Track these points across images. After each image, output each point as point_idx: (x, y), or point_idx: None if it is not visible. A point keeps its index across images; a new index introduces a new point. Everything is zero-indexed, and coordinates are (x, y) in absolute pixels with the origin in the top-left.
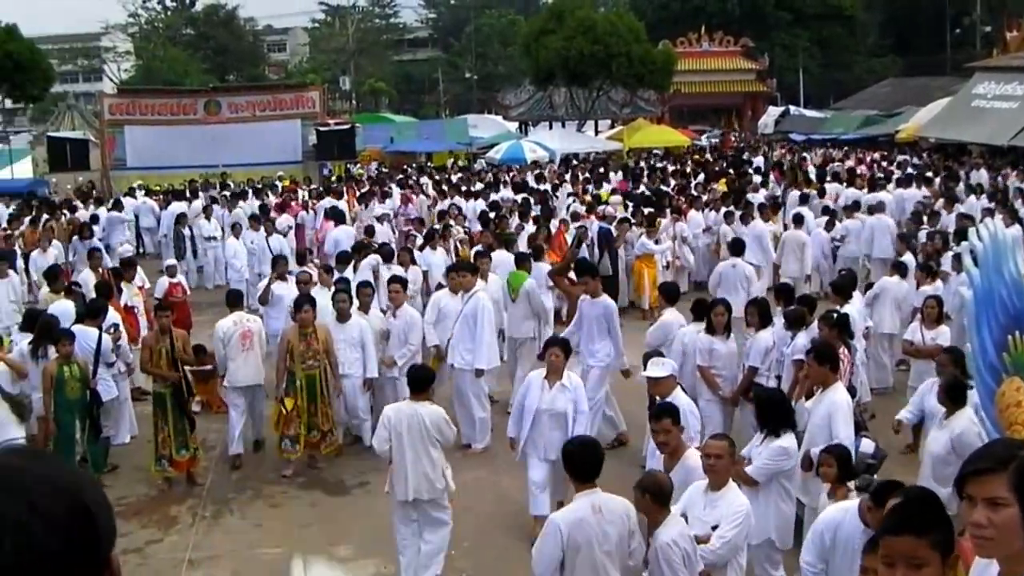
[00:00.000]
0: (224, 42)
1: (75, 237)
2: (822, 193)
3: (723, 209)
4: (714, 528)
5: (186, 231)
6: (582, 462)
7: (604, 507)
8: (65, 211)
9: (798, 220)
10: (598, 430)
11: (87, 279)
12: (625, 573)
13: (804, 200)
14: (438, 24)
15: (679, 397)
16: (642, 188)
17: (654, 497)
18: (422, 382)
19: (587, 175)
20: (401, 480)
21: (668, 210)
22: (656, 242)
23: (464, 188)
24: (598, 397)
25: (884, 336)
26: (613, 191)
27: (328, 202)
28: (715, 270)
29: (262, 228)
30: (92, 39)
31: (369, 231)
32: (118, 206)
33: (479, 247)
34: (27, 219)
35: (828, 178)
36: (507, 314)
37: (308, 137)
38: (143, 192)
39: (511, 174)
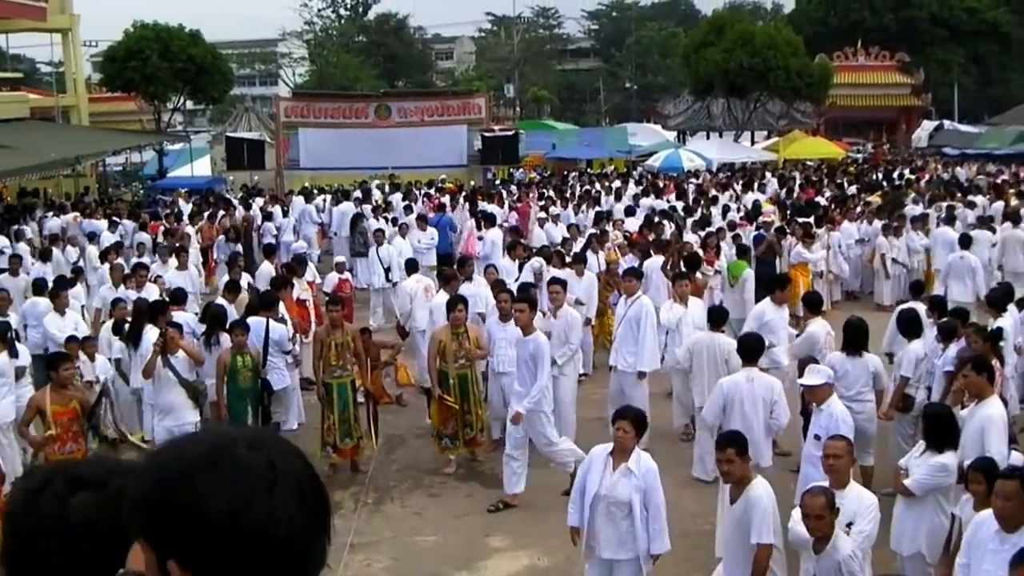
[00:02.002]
0: (394, 49)
1: (220, 237)
2: (971, 206)
3: (877, 222)
4: (849, 525)
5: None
6: (748, 348)
7: (756, 379)
8: (239, 207)
9: (965, 242)
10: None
11: (266, 272)
12: (766, 426)
13: (950, 219)
14: (600, 35)
15: (834, 405)
16: (795, 198)
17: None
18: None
19: (743, 184)
20: None
21: (823, 220)
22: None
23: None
24: (555, 436)
25: None
26: (770, 200)
27: (482, 205)
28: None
29: (428, 228)
30: (269, 45)
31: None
32: (309, 199)
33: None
34: (205, 215)
35: (980, 191)
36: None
37: (473, 142)
38: (317, 191)
39: (665, 182)
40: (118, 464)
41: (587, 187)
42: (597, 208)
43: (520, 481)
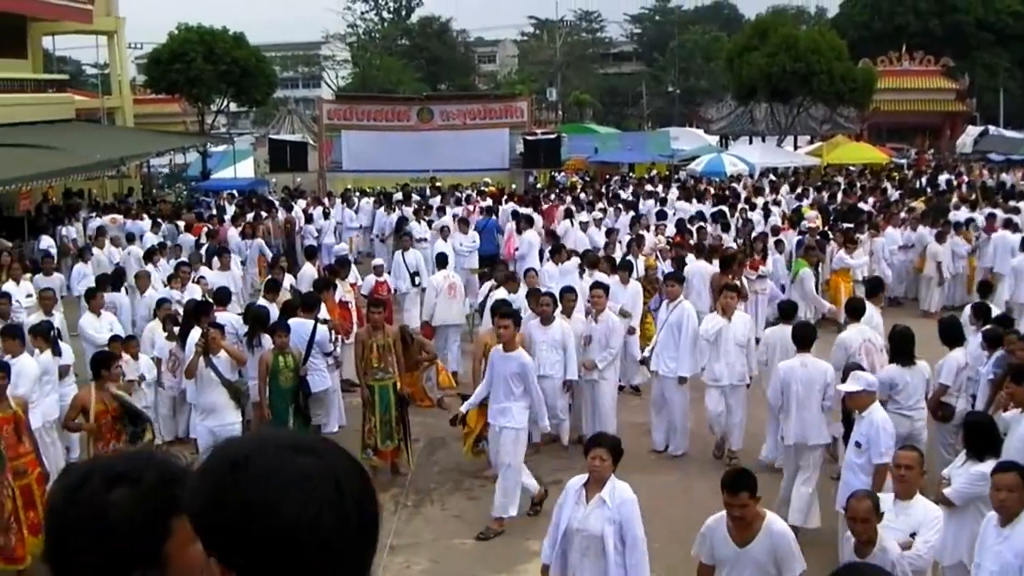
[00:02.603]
0: (437, 53)
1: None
2: (1015, 211)
3: (922, 228)
4: (912, 535)
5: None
6: (802, 336)
7: (810, 364)
8: (281, 209)
9: None
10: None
11: (308, 274)
12: (820, 407)
13: (1009, 224)
14: (643, 39)
15: (876, 412)
16: (839, 204)
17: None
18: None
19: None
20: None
21: (866, 226)
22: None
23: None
24: (517, 463)
25: None
26: (812, 204)
27: (511, 207)
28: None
29: (471, 231)
30: (313, 48)
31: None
32: (350, 204)
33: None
34: (249, 216)
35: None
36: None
37: (515, 145)
38: (359, 194)
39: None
40: (153, 459)
41: (618, 191)
42: (631, 212)
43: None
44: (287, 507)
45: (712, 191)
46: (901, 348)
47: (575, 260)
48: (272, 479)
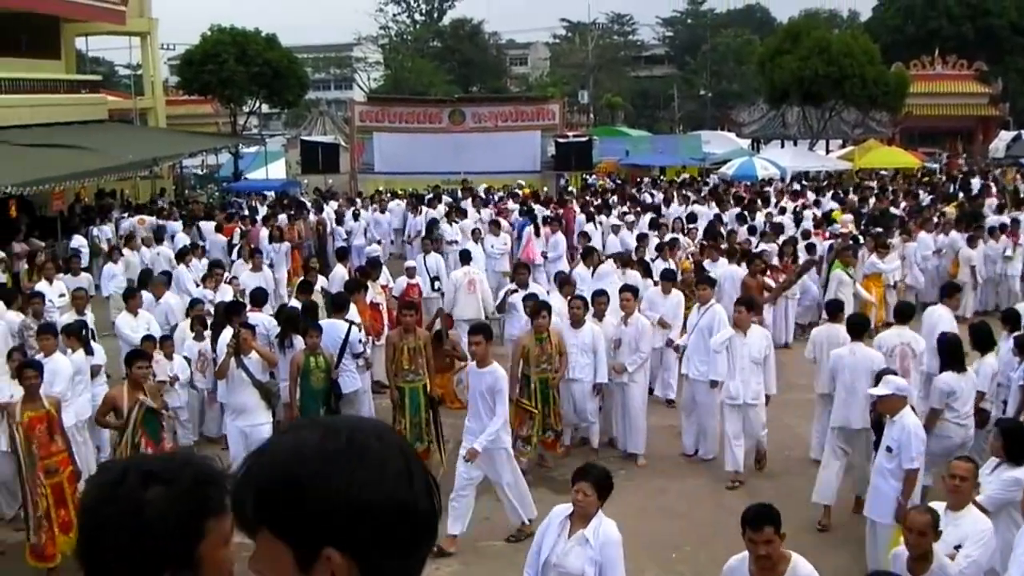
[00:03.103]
0: (469, 55)
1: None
2: None
3: (955, 233)
4: (957, 548)
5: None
6: (856, 325)
7: (858, 352)
8: (312, 210)
9: None
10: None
11: (339, 275)
12: (866, 395)
13: (1016, 224)
14: (675, 42)
15: (907, 417)
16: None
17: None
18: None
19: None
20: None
21: (898, 231)
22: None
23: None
24: (516, 475)
25: None
26: (844, 209)
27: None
28: None
29: (502, 233)
30: (344, 49)
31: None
32: (382, 207)
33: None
34: (281, 217)
35: None
36: None
37: (547, 148)
38: (390, 196)
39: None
40: (190, 460)
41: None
42: (650, 214)
43: (460, 523)
44: (382, 489)
45: (731, 194)
46: (955, 355)
47: (610, 263)
48: (369, 465)
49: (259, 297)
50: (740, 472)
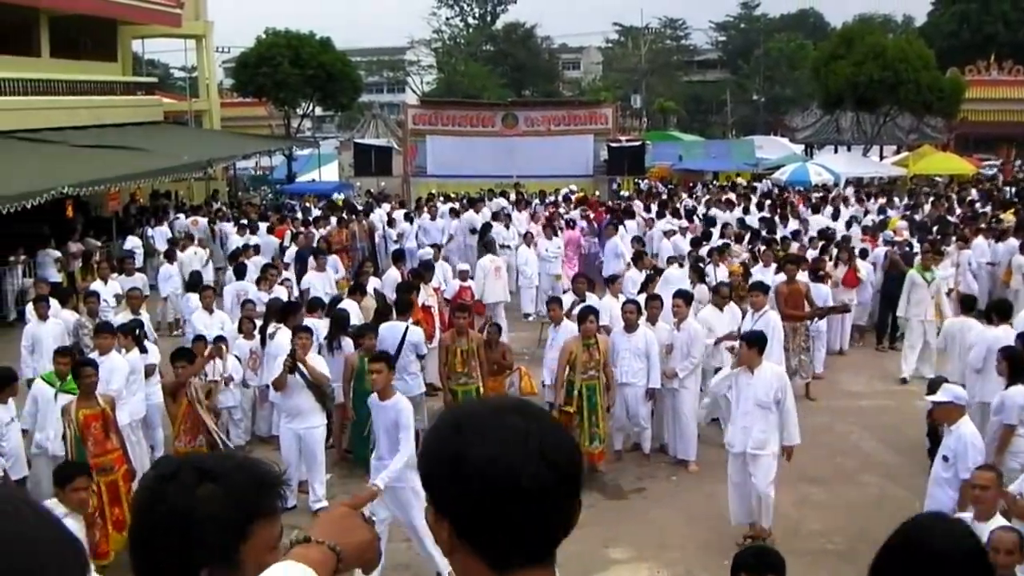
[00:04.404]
0: (521, 59)
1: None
2: None
3: (1013, 240)
4: None
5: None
6: (1000, 309)
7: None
8: (360, 213)
9: None
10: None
11: (392, 278)
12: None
13: None
14: (727, 47)
15: (964, 426)
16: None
17: None
18: None
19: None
20: None
21: (953, 238)
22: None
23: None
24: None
25: None
26: (903, 217)
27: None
28: None
29: (554, 238)
30: (398, 53)
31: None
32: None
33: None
34: (333, 220)
35: None
36: None
37: (600, 152)
38: (443, 199)
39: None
40: (245, 461)
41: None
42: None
43: None
44: (495, 459)
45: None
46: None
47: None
48: (485, 434)
49: (315, 304)
50: (753, 525)
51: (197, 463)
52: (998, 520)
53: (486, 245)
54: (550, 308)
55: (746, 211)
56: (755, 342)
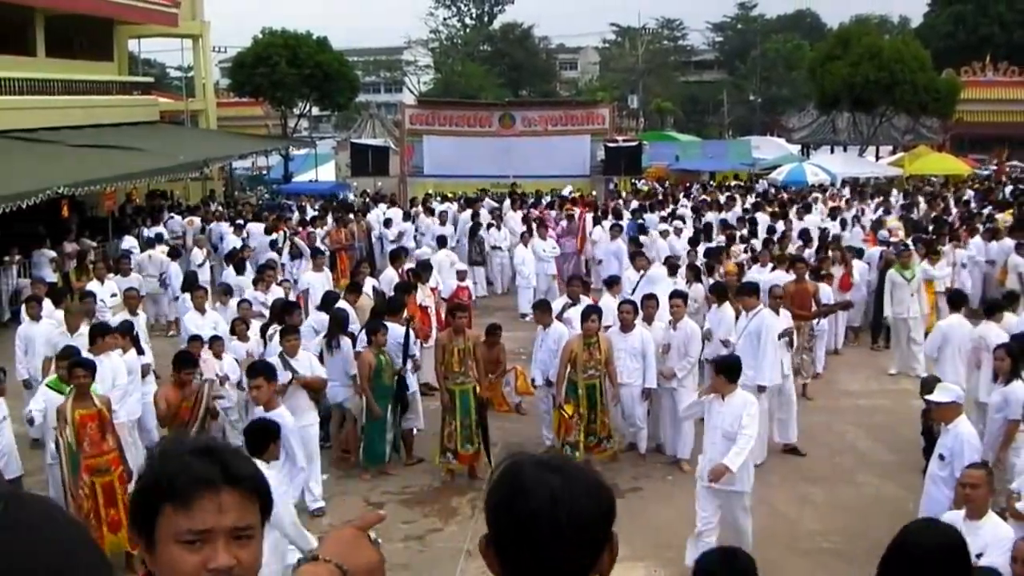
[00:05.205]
0: (519, 59)
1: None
2: None
3: (1008, 240)
4: (978, 556)
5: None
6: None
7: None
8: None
9: None
10: None
11: (389, 278)
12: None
13: None
14: (724, 47)
15: (961, 425)
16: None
17: None
18: None
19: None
20: None
21: (947, 237)
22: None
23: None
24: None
25: None
26: (900, 216)
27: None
28: None
29: (548, 238)
30: (395, 53)
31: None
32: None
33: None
34: (331, 219)
35: None
36: None
37: (596, 152)
38: (439, 199)
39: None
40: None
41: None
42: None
43: None
44: (523, 503)
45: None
46: None
47: (660, 267)
48: (520, 484)
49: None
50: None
51: (195, 441)
52: (991, 518)
53: (476, 244)
54: (537, 312)
55: (729, 209)
56: (725, 369)
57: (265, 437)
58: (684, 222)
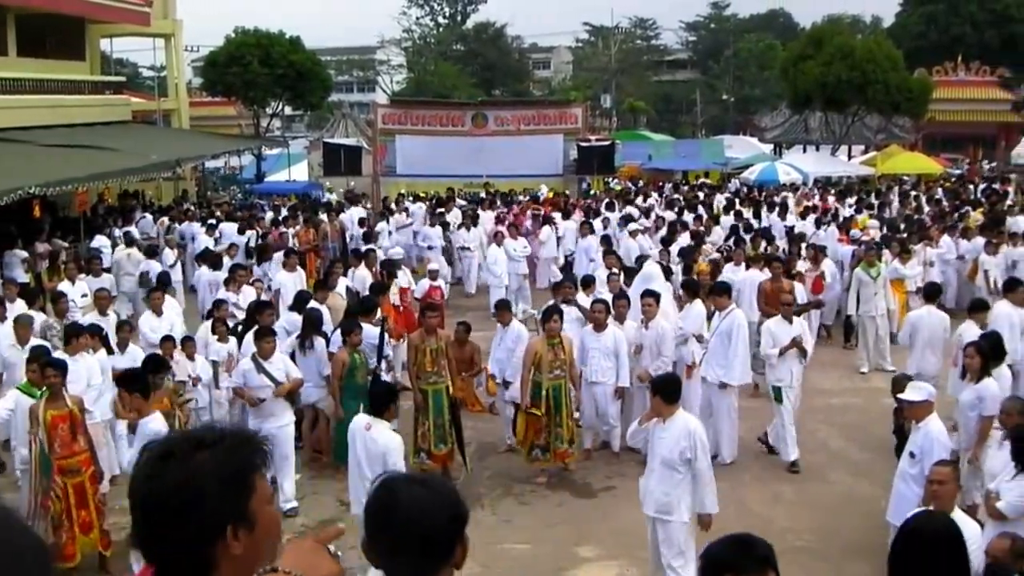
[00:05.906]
0: (492, 58)
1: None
2: None
3: (979, 238)
4: None
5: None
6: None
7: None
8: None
9: None
10: None
11: (363, 277)
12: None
13: None
14: (697, 47)
15: (932, 423)
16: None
17: None
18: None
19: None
20: None
21: (917, 236)
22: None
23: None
24: None
25: None
26: (871, 216)
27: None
28: None
29: (520, 238)
30: (368, 52)
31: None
32: (405, 211)
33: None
34: (301, 219)
35: None
36: None
37: (569, 152)
38: (411, 199)
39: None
40: (225, 426)
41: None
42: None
43: None
44: (403, 511)
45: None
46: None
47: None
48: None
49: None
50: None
51: (186, 437)
52: (957, 514)
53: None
54: (497, 311)
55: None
56: (660, 389)
57: (387, 398)
58: (648, 217)
